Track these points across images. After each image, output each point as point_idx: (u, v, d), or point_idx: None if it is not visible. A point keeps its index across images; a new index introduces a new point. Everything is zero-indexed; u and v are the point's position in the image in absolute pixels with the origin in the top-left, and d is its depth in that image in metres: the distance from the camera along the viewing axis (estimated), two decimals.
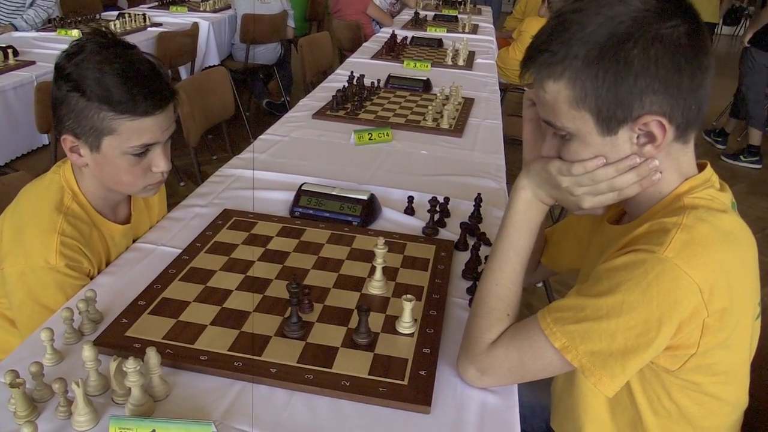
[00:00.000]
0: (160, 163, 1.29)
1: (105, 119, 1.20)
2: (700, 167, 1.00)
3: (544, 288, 2.90)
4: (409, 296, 1.14)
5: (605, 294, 0.90)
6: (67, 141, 1.24)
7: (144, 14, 4.43)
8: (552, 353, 0.94)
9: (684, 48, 0.88)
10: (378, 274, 1.28)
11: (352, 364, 1.06)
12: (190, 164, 2.86)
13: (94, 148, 1.24)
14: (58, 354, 1.04)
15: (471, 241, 1.47)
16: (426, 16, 5.38)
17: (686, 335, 0.91)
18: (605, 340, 0.90)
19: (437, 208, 1.57)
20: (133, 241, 1.49)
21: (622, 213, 1.11)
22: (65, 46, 1.24)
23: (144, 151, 1.26)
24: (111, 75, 1.19)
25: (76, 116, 1.21)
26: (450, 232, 1.58)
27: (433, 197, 1.57)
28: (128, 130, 1.22)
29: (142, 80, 1.22)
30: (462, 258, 1.44)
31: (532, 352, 0.96)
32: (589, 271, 1.00)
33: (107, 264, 1.36)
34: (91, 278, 1.30)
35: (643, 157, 0.93)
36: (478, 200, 1.63)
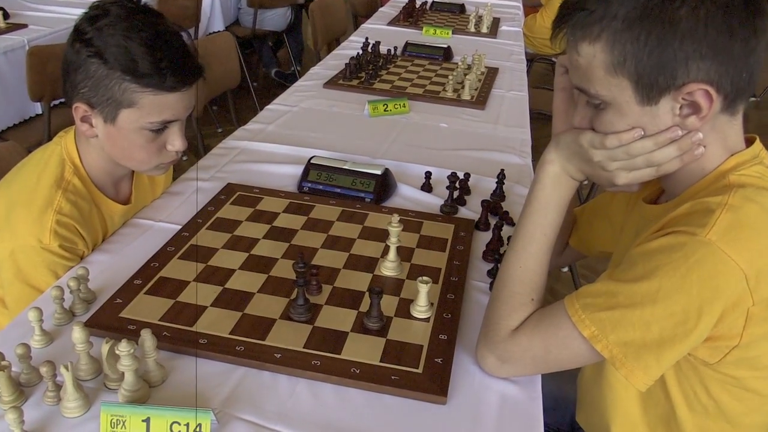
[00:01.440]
0: (176, 141, 1.28)
1: (126, 91, 1.18)
2: (748, 142, 0.97)
3: (570, 273, 2.88)
4: (425, 278, 1.13)
5: (640, 279, 0.88)
6: (80, 109, 1.23)
7: None
8: (580, 342, 0.92)
9: (737, 8, 0.84)
10: (392, 254, 1.27)
11: (363, 350, 1.05)
12: (193, 137, 2.85)
13: (108, 120, 1.22)
14: (47, 335, 1.04)
15: (493, 221, 1.46)
16: None
17: (728, 325, 0.89)
18: (639, 330, 0.88)
19: (457, 185, 1.56)
20: None
21: (659, 191, 1.08)
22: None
23: (162, 128, 1.25)
24: (138, 44, 1.17)
25: (93, 84, 1.19)
26: (470, 211, 1.57)
27: (452, 173, 1.56)
28: (150, 105, 1.20)
29: (171, 53, 1.20)
30: (483, 238, 1.42)
31: (558, 341, 0.95)
32: (622, 254, 0.98)
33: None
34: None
35: (686, 130, 0.90)
36: (501, 177, 1.61)
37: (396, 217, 1.26)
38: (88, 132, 1.25)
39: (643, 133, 0.91)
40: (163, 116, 1.23)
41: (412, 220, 1.47)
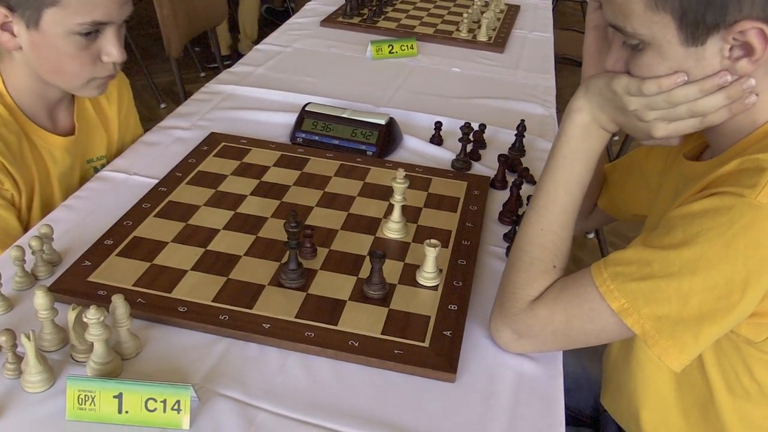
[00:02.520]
0: (112, 50, 1.25)
1: None
2: None
3: (597, 239, 2.88)
4: (433, 241, 1.12)
5: (679, 246, 0.87)
6: None
7: None
8: (607, 316, 0.92)
9: None
10: (396, 214, 1.27)
11: (362, 321, 1.06)
12: (172, 82, 2.83)
13: (31, 25, 1.19)
14: (6, 301, 1.04)
15: (511, 178, 1.45)
16: None
17: None
18: (675, 303, 0.87)
19: (470, 137, 1.55)
20: (88, 162, 1.47)
21: (703, 146, 1.07)
22: None
23: (94, 31, 1.22)
24: None
25: None
26: (485, 167, 1.56)
27: (465, 124, 1.54)
28: (76, 1, 1.18)
29: None
30: (499, 198, 1.42)
31: (583, 314, 0.94)
32: (658, 217, 0.98)
33: (46, 189, 1.33)
34: (18, 208, 1.27)
35: (736, 75, 0.88)
36: (521, 128, 1.61)
37: (401, 173, 1.26)
38: (10, 43, 1.22)
39: (686, 78, 0.89)
40: (93, 16, 1.19)
41: (419, 176, 1.47)
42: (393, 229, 1.27)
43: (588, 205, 1.33)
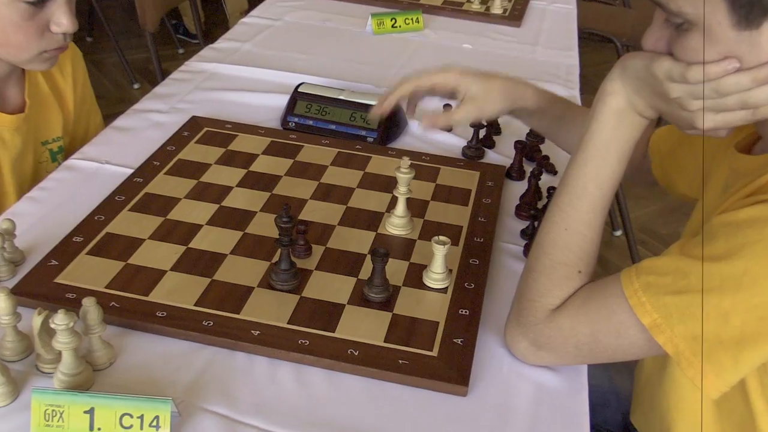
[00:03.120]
0: (62, 19, 1.25)
1: None
2: None
3: (625, 237, 2.87)
4: (442, 238, 1.13)
5: (721, 258, 0.87)
6: None
7: None
8: (636, 331, 0.92)
9: None
10: (400, 208, 1.27)
11: (363, 327, 1.06)
12: (147, 59, 2.83)
13: None
14: None
15: (529, 167, 1.45)
16: None
17: None
18: (714, 321, 0.87)
19: (484, 122, 1.55)
20: (43, 144, 1.47)
21: (755, 138, 1.06)
22: None
23: (41, 0, 1.22)
24: None
25: None
26: (500, 155, 1.57)
27: None
28: None
29: None
30: (516, 189, 1.43)
31: (610, 328, 0.94)
32: (707, 210, 0.96)
33: None
34: None
35: None
36: None
37: (406, 162, 1.26)
38: None
39: (738, 65, 0.88)
40: None
41: (426, 165, 1.47)
42: (397, 225, 1.27)
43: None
